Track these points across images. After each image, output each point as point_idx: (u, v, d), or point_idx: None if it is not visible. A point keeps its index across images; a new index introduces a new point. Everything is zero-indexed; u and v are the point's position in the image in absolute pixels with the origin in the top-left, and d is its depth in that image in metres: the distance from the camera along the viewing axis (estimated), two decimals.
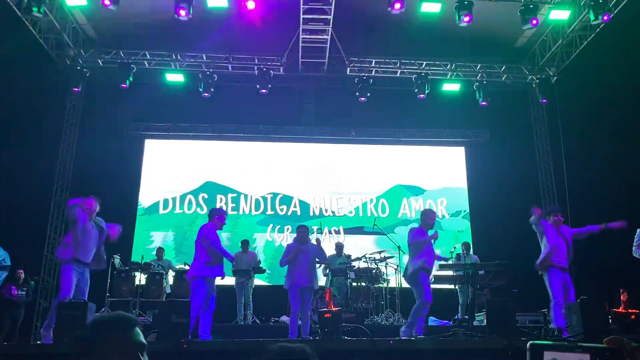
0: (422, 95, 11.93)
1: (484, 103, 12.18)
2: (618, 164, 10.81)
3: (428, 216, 6.94)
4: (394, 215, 12.57)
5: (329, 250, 9.57)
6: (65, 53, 11.76)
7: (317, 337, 5.83)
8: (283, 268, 7.38)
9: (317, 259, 7.62)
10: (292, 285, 7.14)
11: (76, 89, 11.90)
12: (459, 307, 9.66)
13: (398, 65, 12.30)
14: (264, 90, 11.77)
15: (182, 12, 9.50)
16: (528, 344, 1.06)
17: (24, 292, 8.67)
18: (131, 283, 9.27)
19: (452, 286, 9.62)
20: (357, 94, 12.08)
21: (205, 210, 12.11)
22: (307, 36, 11.31)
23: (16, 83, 10.15)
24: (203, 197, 12.46)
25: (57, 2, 10.43)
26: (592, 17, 9.82)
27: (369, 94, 12.04)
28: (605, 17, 9.66)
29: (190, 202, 12.39)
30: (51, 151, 11.88)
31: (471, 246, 10.60)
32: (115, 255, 9.39)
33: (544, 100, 12.17)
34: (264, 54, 12.20)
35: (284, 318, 9.12)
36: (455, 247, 10.09)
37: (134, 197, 12.31)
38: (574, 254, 6.84)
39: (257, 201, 12.55)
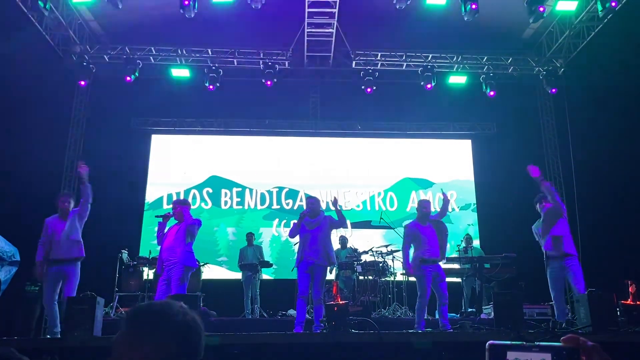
0: (429, 86, 11.79)
1: (492, 93, 12.02)
2: (626, 156, 10.73)
3: (421, 206, 6.83)
4: (402, 209, 12.51)
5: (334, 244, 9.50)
6: (71, 49, 11.78)
7: (325, 330, 5.85)
8: (290, 263, 7.29)
9: (334, 228, 6.82)
10: (300, 262, 6.44)
11: (82, 82, 11.92)
12: (463, 300, 9.65)
13: (404, 58, 12.23)
14: (268, 82, 11.74)
15: (187, 6, 9.49)
16: (487, 344, 1.05)
17: (37, 288, 8.70)
18: (139, 278, 9.33)
19: (458, 279, 9.62)
20: (362, 87, 12.04)
21: (210, 204, 12.13)
22: (313, 30, 11.28)
23: (23, 80, 10.18)
24: (207, 191, 12.47)
25: None
26: (599, 7, 9.70)
27: (374, 87, 12.00)
28: (614, 3, 9.48)
29: (194, 197, 12.40)
30: (58, 147, 11.93)
31: (472, 238, 10.45)
32: (123, 250, 9.45)
33: (554, 90, 12.03)
34: (270, 48, 12.18)
35: (292, 312, 9.14)
36: (462, 241, 10.10)
37: (141, 192, 12.35)
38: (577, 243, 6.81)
39: (263, 195, 12.53)
